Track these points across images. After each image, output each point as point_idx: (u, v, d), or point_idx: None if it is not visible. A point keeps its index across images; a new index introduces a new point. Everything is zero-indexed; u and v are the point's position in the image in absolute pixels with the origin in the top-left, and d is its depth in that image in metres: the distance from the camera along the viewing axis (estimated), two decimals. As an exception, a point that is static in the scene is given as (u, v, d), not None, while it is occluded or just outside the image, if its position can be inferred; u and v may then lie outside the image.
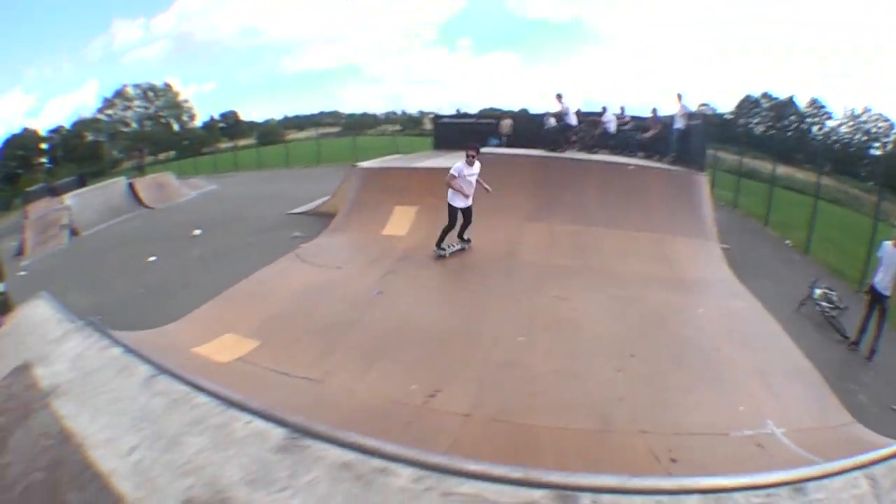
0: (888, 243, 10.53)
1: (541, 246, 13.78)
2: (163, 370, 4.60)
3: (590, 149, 20.31)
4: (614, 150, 21.02)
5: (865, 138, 65.10)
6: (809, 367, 8.83)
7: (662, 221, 14.64)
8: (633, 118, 23.24)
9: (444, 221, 13.73)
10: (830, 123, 69.65)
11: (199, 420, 3.83)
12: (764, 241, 19.42)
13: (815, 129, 71.15)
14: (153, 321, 10.36)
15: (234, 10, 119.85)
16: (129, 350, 5.12)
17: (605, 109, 22.18)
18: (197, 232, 18.79)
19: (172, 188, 31.48)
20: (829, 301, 12.30)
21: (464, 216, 12.88)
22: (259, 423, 3.69)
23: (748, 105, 74.45)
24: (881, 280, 10.40)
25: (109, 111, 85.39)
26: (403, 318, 10.18)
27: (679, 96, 19.80)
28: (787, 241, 19.48)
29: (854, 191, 38.55)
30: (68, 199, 26.92)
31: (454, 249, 13.16)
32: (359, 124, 73.09)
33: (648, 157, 19.94)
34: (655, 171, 16.91)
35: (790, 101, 71.82)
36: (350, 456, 3.24)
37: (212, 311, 11.21)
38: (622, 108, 23.34)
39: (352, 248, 15.09)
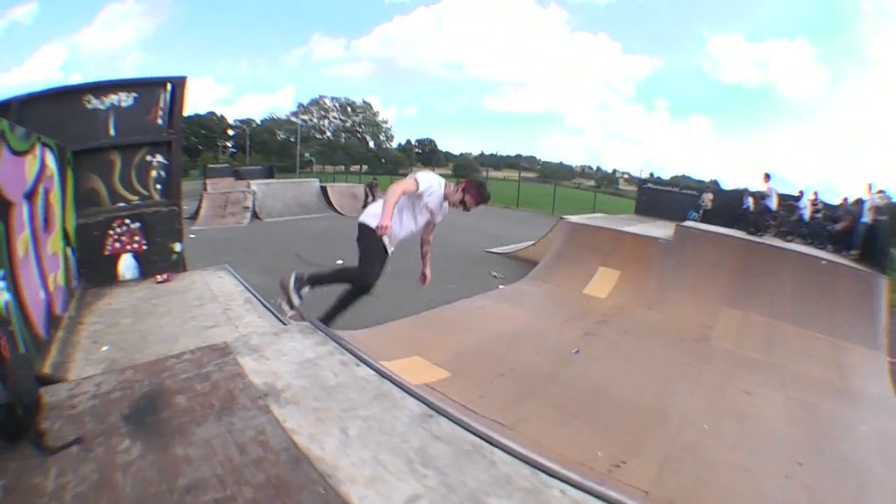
0: None
1: (733, 334, 14.00)
2: (442, 412, 4.32)
3: (784, 236, 20.36)
4: (806, 238, 20.92)
5: None
6: None
7: (843, 325, 14.74)
8: (826, 205, 22.93)
9: (646, 291, 15.05)
10: None
11: (504, 480, 3.45)
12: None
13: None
14: (336, 325, 9.35)
15: (439, 42, 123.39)
16: (385, 376, 4.91)
17: (801, 194, 22.33)
18: (390, 248, 18.55)
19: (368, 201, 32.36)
20: None
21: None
22: (575, 494, 3.43)
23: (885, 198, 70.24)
24: None
25: (304, 116, 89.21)
26: (599, 382, 10.45)
27: (870, 187, 19.86)
28: None
29: None
30: (254, 184, 29.79)
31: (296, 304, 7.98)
32: (554, 173, 73.73)
33: (837, 250, 19.61)
34: (844, 269, 16.58)
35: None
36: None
37: (404, 328, 11.73)
38: (816, 194, 23.11)
39: (552, 301, 15.50)
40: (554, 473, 3.67)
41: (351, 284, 7.61)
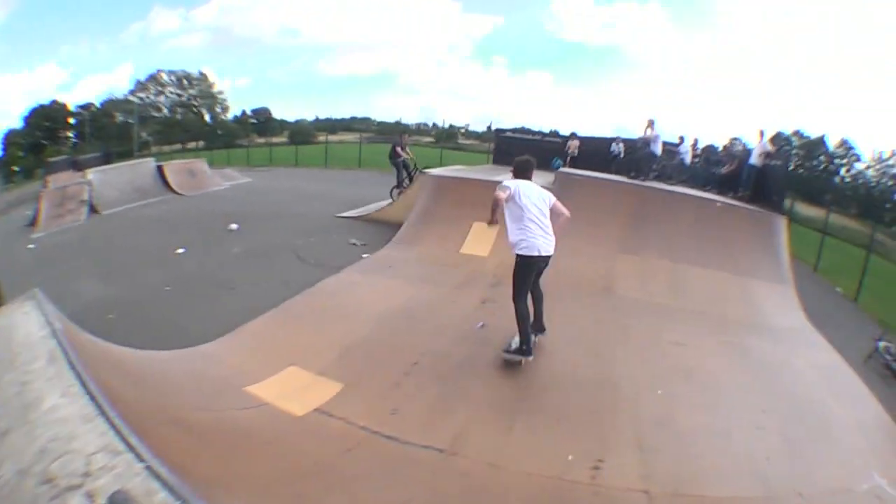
0: None
1: (637, 281, 13.34)
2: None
3: (666, 179, 20.33)
4: (687, 182, 21.07)
5: (891, 182, 65.79)
6: (888, 419, 9.32)
7: (746, 263, 14.57)
8: (704, 149, 24.31)
9: None
10: (858, 165, 70.50)
11: None
12: (817, 288, 19.68)
13: (843, 170, 71.89)
14: (184, 329, 9.19)
15: (274, 9, 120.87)
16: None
17: (682, 140, 22.40)
18: (234, 226, 17.74)
19: (204, 176, 31.00)
20: (891, 354, 12.98)
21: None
22: None
23: (779, 141, 74.93)
24: None
25: (141, 94, 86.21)
26: (524, 362, 8.60)
27: (761, 133, 20.11)
28: (838, 289, 20.24)
29: (881, 236, 38.92)
30: (91, 174, 26.71)
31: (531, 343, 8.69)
32: (392, 132, 73.44)
33: (722, 192, 20.00)
34: (740, 211, 16.74)
35: (821, 140, 72.54)
36: None
37: (265, 328, 9.59)
38: (696, 140, 24.02)
39: (430, 266, 13.70)
40: None
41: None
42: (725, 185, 20.59)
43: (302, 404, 7.04)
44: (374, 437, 6.51)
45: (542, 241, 8.43)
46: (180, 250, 14.78)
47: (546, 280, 9.51)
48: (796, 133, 75.51)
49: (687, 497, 6.30)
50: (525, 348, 8.34)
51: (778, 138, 73.73)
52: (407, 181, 21.30)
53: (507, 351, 8.47)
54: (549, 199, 8.80)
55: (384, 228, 17.01)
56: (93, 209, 23.26)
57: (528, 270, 8.57)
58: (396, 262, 14.06)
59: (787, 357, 10.99)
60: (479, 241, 14.53)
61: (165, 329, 9.08)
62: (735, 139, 24.58)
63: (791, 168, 70.19)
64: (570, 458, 6.56)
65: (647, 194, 16.46)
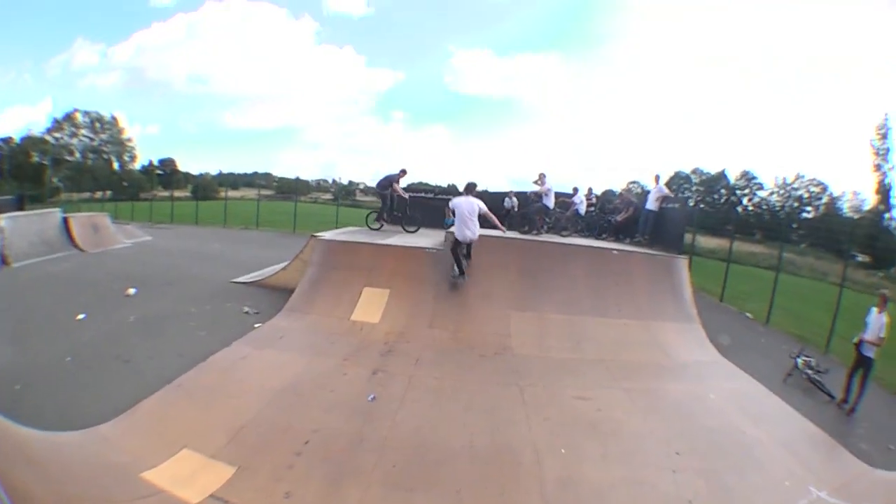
0: (874, 309, 11.86)
1: (533, 337, 13.17)
2: None
3: (560, 231, 20.32)
4: (583, 232, 21.24)
5: (797, 204, 68.16)
6: (818, 431, 10.09)
7: (649, 307, 14.67)
8: (598, 197, 24.32)
9: (423, 309, 13.80)
10: (761, 193, 73.25)
11: None
12: (726, 316, 20.14)
13: (745, 200, 74.28)
14: (81, 404, 8.82)
15: (186, 53, 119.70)
16: None
17: (576, 190, 22.39)
18: (132, 291, 16.92)
19: (108, 233, 29.94)
20: (811, 367, 13.32)
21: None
22: None
23: (678, 181, 77.41)
24: (868, 341, 11.67)
25: (57, 134, 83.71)
26: (418, 433, 8.72)
27: (657, 178, 21.02)
28: (748, 314, 20.64)
29: (789, 255, 39.98)
30: (3, 220, 25.28)
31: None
32: (291, 188, 73.16)
33: (618, 239, 20.50)
34: (638, 256, 16.83)
35: (721, 175, 75.82)
36: None
37: (158, 408, 9.15)
38: (590, 189, 24.15)
39: (320, 335, 13.13)
40: None
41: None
42: (623, 231, 20.95)
43: (196, 491, 6.75)
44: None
45: (465, 232, 13.82)
46: (81, 316, 14.00)
47: (442, 345, 10.91)
48: (695, 171, 78.89)
49: None
50: (461, 273, 14.22)
51: (676, 178, 76.23)
52: (385, 216, 21.10)
53: (453, 276, 14.10)
54: (480, 206, 13.91)
55: (278, 294, 16.50)
56: (3, 260, 22.11)
57: (456, 245, 13.94)
58: (287, 331, 13.38)
59: (699, 393, 11.09)
60: (369, 306, 14.12)
61: (67, 404, 8.71)
62: (632, 183, 25.20)
63: (692, 205, 73.00)
64: None
65: (540, 249, 16.34)
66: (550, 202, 20.03)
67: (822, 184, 70.21)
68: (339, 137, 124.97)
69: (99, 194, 72.67)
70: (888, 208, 60.33)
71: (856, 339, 11.85)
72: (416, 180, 66.83)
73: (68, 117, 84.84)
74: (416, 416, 9.22)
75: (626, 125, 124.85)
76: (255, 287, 18.52)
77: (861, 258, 50.02)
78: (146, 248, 28.99)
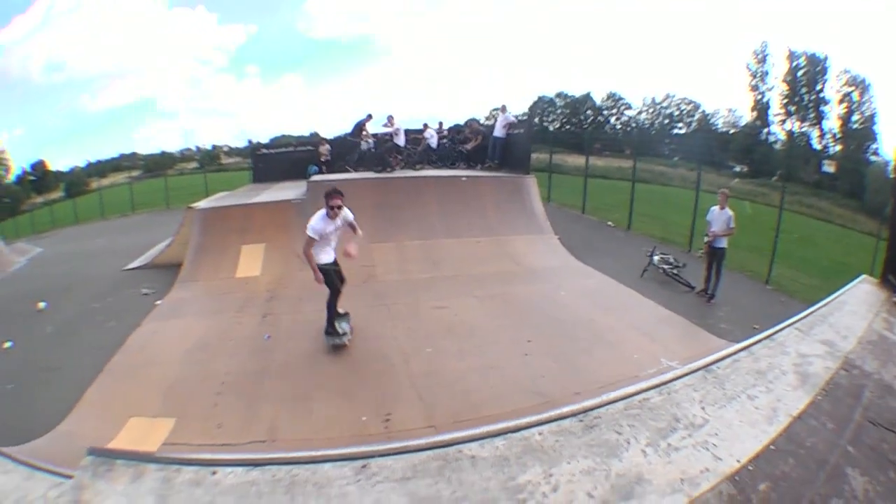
0: (714, 207, 13.44)
1: (394, 263, 14.70)
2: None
3: (413, 165, 21.44)
4: (437, 163, 22.35)
5: (668, 121, 70.94)
6: (671, 314, 11.43)
7: (500, 224, 16.16)
8: (450, 129, 25.13)
9: (292, 254, 14.18)
10: (629, 113, 75.33)
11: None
12: (588, 227, 21.87)
13: (612, 119, 76.37)
14: (36, 420, 9.11)
15: (43, 40, 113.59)
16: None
17: (426, 126, 23.43)
18: (42, 305, 16.58)
19: (2, 256, 28.23)
20: (668, 263, 14.92)
21: (339, 277, 10.35)
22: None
23: (542, 105, 78.81)
24: (714, 235, 13.18)
25: None
26: (308, 357, 10.24)
27: (503, 108, 22.37)
28: (609, 222, 22.35)
29: (660, 168, 42.36)
30: None
31: (345, 333, 10.64)
32: (158, 164, 71.04)
33: (471, 167, 21.65)
34: (486, 180, 18.25)
35: (587, 97, 76.96)
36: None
37: (99, 394, 10.03)
38: (440, 123, 25.07)
39: (213, 297, 14.47)
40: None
41: (334, 301, 10.40)
42: (473, 159, 22.14)
43: (151, 445, 7.87)
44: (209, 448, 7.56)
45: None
46: (8, 344, 13.61)
47: (312, 288, 10.72)
48: (560, 95, 79.72)
49: (467, 421, 7.39)
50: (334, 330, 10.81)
51: (540, 102, 77.70)
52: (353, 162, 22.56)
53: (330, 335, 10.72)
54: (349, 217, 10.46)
55: (168, 271, 17.08)
56: None
57: (333, 281, 10.44)
58: (185, 301, 14.40)
59: (549, 292, 12.55)
60: (250, 262, 15.36)
61: (21, 423, 9.10)
62: (471, 119, 26.42)
63: (558, 127, 74.67)
64: (363, 419, 7.90)
65: (393, 184, 17.63)
66: (402, 140, 21.17)
67: (693, 102, 72.75)
68: (195, 101, 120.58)
69: None
70: (766, 124, 63.89)
71: (707, 237, 13.43)
72: (277, 133, 65.89)
73: None
74: (304, 344, 10.65)
75: (486, 55, 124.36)
76: (147, 269, 19.02)
77: (739, 168, 53.25)
78: (41, 260, 28.31)
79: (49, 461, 4.72)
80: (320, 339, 10.69)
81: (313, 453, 3.07)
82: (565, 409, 3.07)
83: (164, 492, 2.93)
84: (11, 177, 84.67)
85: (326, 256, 9.96)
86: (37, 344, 13.44)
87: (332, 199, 9.63)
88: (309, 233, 9.51)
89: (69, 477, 3.42)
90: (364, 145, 23.45)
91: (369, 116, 23.18)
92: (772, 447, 2.69)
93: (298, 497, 2.70)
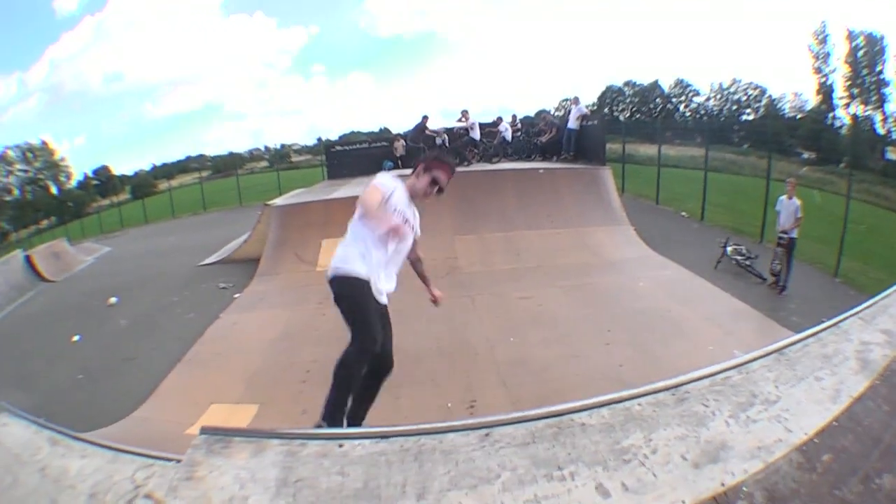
0: (783, 197, 13.62)
1: (477, 255, 15.13)
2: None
3: (490, 158, 21.83)
4: (512, 156, 22.79)
5: (736, 107, 69.83)
6: (744, 306, 11.61)
7: (577, 216, 16.47)
8: (523, 122, 25.30)
9: None
10: (698, 100, 74.24)
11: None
12: (662, 217, 21.98)
13: (681, 107, 75.37)
14: (110, 408, 9.56)
15: (97, 53, 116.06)
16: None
17: (500, 119, 23.71)
18: (113, 300, 17.20)
19: (69, 256, 29.58)
20: (741, 254, 14.96)
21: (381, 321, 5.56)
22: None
23: (611, 95, 78.22)
24: (783, 226, 13.39)
25: None
26: (395, 345, 9.99)
27: (576, 100, 23.13)
28: (683, 213, 22.44)
29: (730, 156, 41.96)
30: None
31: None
32: (227, 165, 71.44)
33: (546, 159, 21.98)
34: (562, 172, 18.67)
35: (655, 85, 75.92)
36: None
37: (178, 382, 10.49)
38: (514, 116, 25.16)
39: (294, 289, 14.96)
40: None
41: (358, 368, 5.21)
42: (548, 151, 22.46)
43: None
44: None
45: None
46: (76, 338, 14.37)
47: (400, 274, 11.02)
48: (628, 83, 78.78)
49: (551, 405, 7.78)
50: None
51: (609, 92, 76.96)
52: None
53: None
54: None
55: (246, 265, 17.83)
56: None
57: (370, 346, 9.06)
58: (265, 293, 14.99)
59: (627, 283, 12.93)
60: (330, 256, 15.40)
61: (93, 412, 9.45)
62: (542, 111, 26.73)
63: (628, 116, 73.83)
64: (449, 405, 8.22)
65: (472, 178, 17.70)
66: (477, 134, 21.68)
67: (760, 87, 71.33)
68: (262, 103, 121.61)
69: (45, 223, 70.83)
70: (831, 108, 62.50)
71: (779, 230, 13.57)
72: (346, 130, 65.95)
73: (1, 158, 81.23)
74: (392, 333, 11.03)
75: (553, 44, 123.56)
76: (223, 264, 19.75)
77: (807, 155, 52.17)
78: (109, 259, 29.49)
79: (129, 440, 5.31)
80: (403, 328, 10.54)
81: (439, 424, 3.28)
82: (659, 384, 3.41)
83: (290, 464, 3.00)
84: (72, 182, 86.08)
85: (366, 264, 5.22)
86: (110, 337, 14.06)
87: (437, 167, 5.48)
88: (376, 185, 5.19)
89: (160, 458, 3.55)
90: (438, 140, 23.50)
91: (425, 118, 23.71)
92: (835, 423, 2.98)
93: (427, 463, 2.92)
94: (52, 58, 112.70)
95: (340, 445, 3.17)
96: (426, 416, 7.76)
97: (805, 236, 14.40)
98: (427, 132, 23.22)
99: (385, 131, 39.74)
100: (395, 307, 10.87)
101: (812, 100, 65.29)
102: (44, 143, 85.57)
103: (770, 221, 16.58)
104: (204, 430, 3.43)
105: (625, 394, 3.39)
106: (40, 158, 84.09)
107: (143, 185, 76.05)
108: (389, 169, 23.21)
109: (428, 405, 8.33)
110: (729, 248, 15.27)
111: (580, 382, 8.52)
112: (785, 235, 13.42)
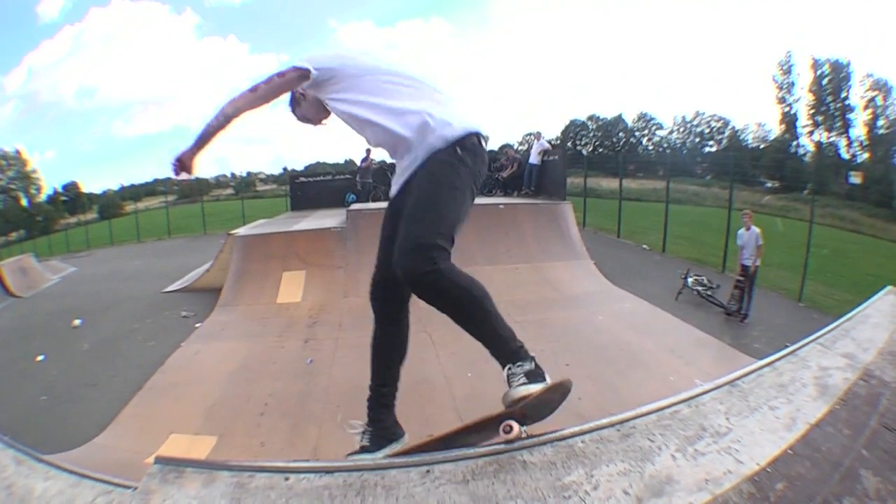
0: (741, 230, 13.82)
1: None
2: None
3: None
4: None
5: (699, 139, 70.82)
6: (706, 336, 11.59)
7: (538, 251, 16.39)
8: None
9: (336, 283, 15.07)
10: (661, 133, 75.16)
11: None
12: (623, 250, 22.05)
13: (644, 140, 76.24)
14: (72, 433, 9.47)
15: (74, 65, 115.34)
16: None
17: None
18: (77, 322, 17.23)
19: (36, 273, 29.85)
20: (702, 284, 15.06)
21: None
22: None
23: (574, 129, 78.99)
24: (746, 258, 13.59)
25: None
26: (351, 380, 9.61)
27: (538, 135, 22.96)
28: (644, 246, 22.66)
29: (693, 188, 42.41)
30: None
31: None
32: (192, 190, 71.83)
33: (507, 194, 22.18)
34: (523, 207, 18.67)
35: (618, 119, 76.99)
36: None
37: (138, 410, 10.40)
38: None
39: (254, 321, 14.79)
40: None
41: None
42: (510, 186, 22.64)
43: None
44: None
45: None
46: (40, 358, 14.42)
47: (358, 310, 11.68)
48: (591, 118, 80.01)
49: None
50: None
51: (572, 126, 77.50)
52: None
53: None
54: None
55: (208, 294, 17.65)
56: None
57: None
58: (226, 324, 14.84)
59: (587, 317, 12.75)
60: (290, 288, 15.68)
61: (56, 435, 9.49)
62: (506, 145, 27.16)
63: (590, 150, 74.64)
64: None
65: None
66: None
67: (723, 118, 72.65)
68: (230, 130, 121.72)
69: (14, 235, 70.22)
70: (794, 136, 63.72)
71: (747, 262, 13.72)
72: (313, 160, 65.99)
73: None
74: (346, 369, 10.78)
75: (516, 82, 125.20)
76: (185, 293, 19.57)
77: (770, 184, 52.87)
78: (75, 279, 29.47)
79: (91, 466, 5.20)
80: (363, 364, 10.74)
81: (382, 461, 3.34)
82: (604, 421, 3.32)
83: (239, 495, 2.98)
84: (42, 196, 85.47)
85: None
86: (73, 360, 13.92)
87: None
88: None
89: (119, 486, 3.39)
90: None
91: (368, 151, 24.37)
92: (789, 451, 2.92)
93: (369, 498, 2.86)
94: (31, 65, 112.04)
95: (287, 479, 3.08)
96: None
97: (768, 263, 14.68)
98: (373, 165, 23.96)
99: (350, 163, 39.89)
100: (352, 343, 11.42)
101: (776, 129, 66.66)
102: (17, 151, 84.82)
103: (732, 251, 16.89)
104: (158, 460, 3.32)
105: (567, 431, 3.30)
106: (13, 167, 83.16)
107: (110, 205, 75.90)
108: (352, 202, 23.34)
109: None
110: (690, 279, 15.32)
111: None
112: (749, 266, 13.60)
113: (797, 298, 16.13)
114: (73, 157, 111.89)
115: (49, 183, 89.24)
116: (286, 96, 4.18)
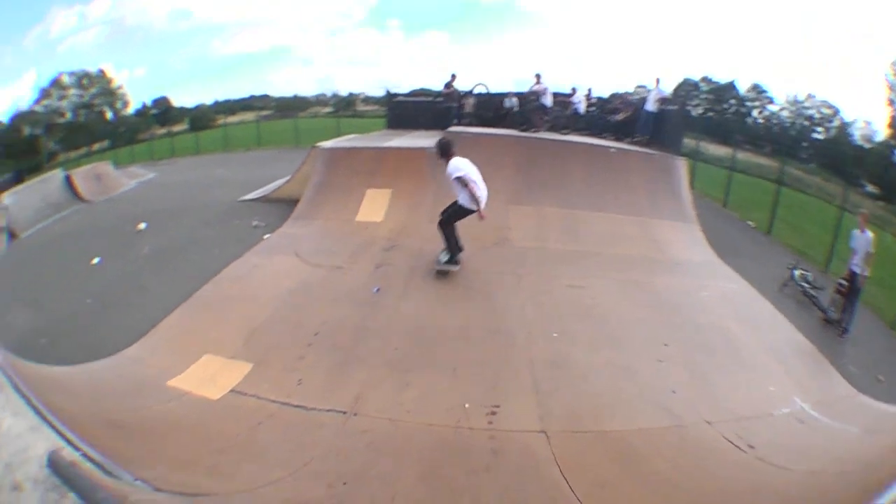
0: (855, 231, 11.97)
1: (532, 230, 13.52)
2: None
3: (560, 129, 20.40)
4: (583, 130, 21.23)
5: (808, 123, 67.57)
6: (807, 343, 9.97)
7: (645, 205, 14.94)
8: (599, 99, 23.96)
9: (424, 206, 13.78)
10: (771, 108, 72.10)
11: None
12: (727, 223, 20.32)
13: (755, 112, 73.26)
14: (108, 340, 8.96)
15: None
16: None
17: (574, 90, 22.23)
18: (142, 225, 16.94)
19: (111, 178, 29.80)
20: (808, 282, 13.47)
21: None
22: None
23: (687, 88, 76.05)
24: (856, 263, 11.81)
25: (46, 102, 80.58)
26: (418, 319, 9.26)
27: (657, 80, 21.24)
28: (751, 223, 20.76)
29: (797, 172, 40.15)
30: (6, 198, 25.43)
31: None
32: (290, 107, 71.44)
33: (618, 139, 20.39)
34: (636, 155, 17.14)
35: (731, 85, 73.84)
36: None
37: (179, 323, 9.67)
38: (589, 90, 23.76)
39: (326, 238, 13.76)
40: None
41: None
42: (622, 131, 21.01)
43: (217, 388, 7.34)
44: (283, 408, 6.88)
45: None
46: (96, 260, 14.22)
47: (436, 244, 10.79)
48: (704, 79, 76.92)
49: (586, 434, 6.39)
50: (455, 260, 10.76)
51: (685, 84, 75.27)
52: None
53: (439, 263, 10.77)
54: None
55: (285, 206, 16.63)
56: (12, 235, 22.11)
57: (458, 216, 10.58)
58: (295, 238, 13.88)
59: (691, 290, 11.29)
60: (373, 207, 14.56)
61: (95, 342, 8.95)
62: (640, 87, 25.81)
63: (701, 112, 71.89)
64: (466, 406, 6.77)
65: (536, 146, 16.58)
66: (548, 101, 20.41)
67: (833, 107, 69.35)
68: (334, 50, 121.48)
69: (97, 146, 71.26)
70: (900, 144, 60.41)
71: (857, 268, 11.89)
72: (417, 86, 65.54)
73: (55, 83, 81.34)
74: (416, 304, 9.71)
75: (634, 30, 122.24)
76: (263, 202, 18.80)
77: (870, 188, 50.14)
78: (152, 185, 29.32)
79: (106, 383, 5.85)
80: (433, 301, 9.84)
81: None
82: None
83: None
84: (129, 110, 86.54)
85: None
86: (129, 265, 13.66)
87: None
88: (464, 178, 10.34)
89: (70, 444, 3.72)
90: (507, 104, 22.47)
91: (454, 76, 22.99)
92: None
93: None
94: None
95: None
96: (435, 415, 6.76)
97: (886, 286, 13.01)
98: (451, 91, 22.60)
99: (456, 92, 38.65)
100: (427, 275, 11.02)
101: (882, 131, 63.19)
102: (101, 71, 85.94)
103: (838, 253, 15.61)
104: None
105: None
106: (96, 85, 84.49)
107: (202, 118, 76.17)
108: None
109: (439, 402, 7.03)
110: (796, 273, 13.79)
111: (623, 403, 7.13)
112: (858, 273, 11.83)
113: (891, 325, 13.84)
114: (164, 75, 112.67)
115: (139, 99, 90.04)
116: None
